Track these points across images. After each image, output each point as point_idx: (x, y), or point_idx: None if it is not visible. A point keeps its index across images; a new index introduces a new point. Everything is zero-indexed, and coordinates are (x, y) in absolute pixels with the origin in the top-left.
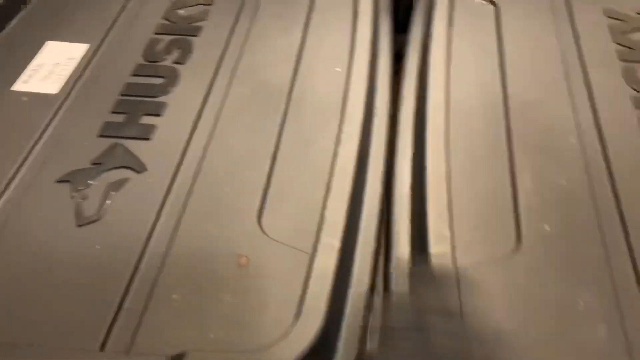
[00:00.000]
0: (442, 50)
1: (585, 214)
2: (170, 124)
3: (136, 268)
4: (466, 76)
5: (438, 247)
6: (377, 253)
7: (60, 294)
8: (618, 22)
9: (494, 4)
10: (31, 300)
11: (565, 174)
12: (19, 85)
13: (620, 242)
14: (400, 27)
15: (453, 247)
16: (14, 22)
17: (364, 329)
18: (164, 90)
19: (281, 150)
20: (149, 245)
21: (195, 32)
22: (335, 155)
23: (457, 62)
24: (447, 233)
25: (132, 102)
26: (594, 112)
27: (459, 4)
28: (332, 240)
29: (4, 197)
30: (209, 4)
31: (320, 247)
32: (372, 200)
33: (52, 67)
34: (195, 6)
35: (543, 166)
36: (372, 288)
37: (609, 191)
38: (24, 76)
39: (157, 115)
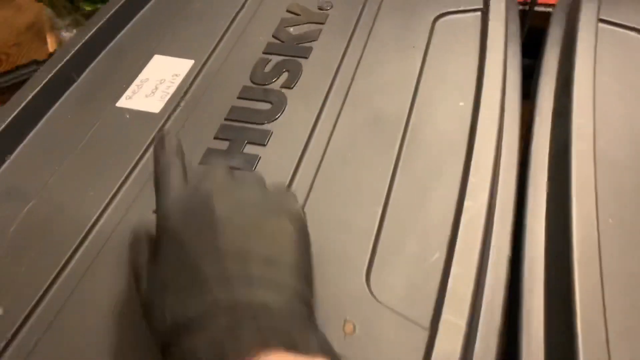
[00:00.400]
0: (588, 89)
1: None
2: (274, 155)
3: None
4: (612, 120)
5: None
6: (503, 328)
7: None
8: None
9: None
10: None
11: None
12: (123, 102)
13: None
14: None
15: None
16: (126, 28)
17: None
18: (269, 116)
19: (395, 194)
20: None
21: (305, 53)
22: (460, 208)
23: (602, 102)
24: (603, 347)
25: (236, 129)
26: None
27: (603, 32)
28: (457, 319)
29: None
30: (321, 22)
31: (442, 325)
32: (499, 265)
33: (156, 83)
34: (307, 24)
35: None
36: None
37: None
38: (129, 91)
39: (262, 144)
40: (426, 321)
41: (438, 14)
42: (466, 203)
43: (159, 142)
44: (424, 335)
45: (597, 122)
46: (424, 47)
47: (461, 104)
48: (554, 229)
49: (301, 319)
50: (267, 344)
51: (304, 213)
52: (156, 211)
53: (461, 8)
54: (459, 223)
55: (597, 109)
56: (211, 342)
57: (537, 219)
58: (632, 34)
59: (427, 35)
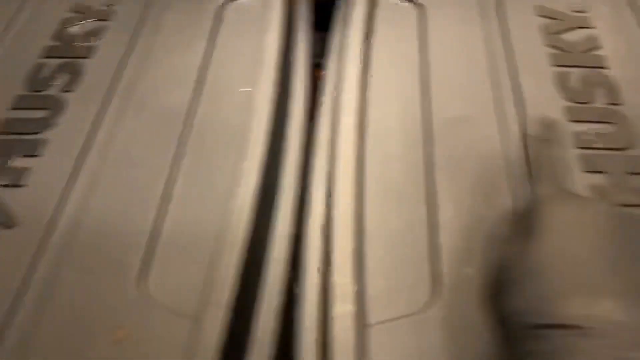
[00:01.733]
0: (357, 64)
1: None
2: (49, 165)
3: None
4: (385, 93)
5: (341, 305)
6: (285, 305)
7: None
8: (551, 21)
9: (418, 5)
10: None
11: (491, 203)
12: None
13: None
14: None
15: (361, 303)
16: None
17: None
18: (46, 124)
19: (175, 192)
20: (16, 316)
21: (87, 53)
22: (232, 195)
23: (376, 76)
24: (353, 287)
25: (6, 142)
26: (522, 126)
27: (381, 7)
28: (218, 301)
29: None
30: (105, 19)
31: (205, 311)
32: (280, 244)
33: None
34: (91, 22)
35: (466, 196)
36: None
37: None
38: None
39: (35, 155)
40: (194, 311)
41: (223, 0)
42: (236, 189)
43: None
44: (190, 324)
45: (371, 94)
46: (209, 36)
47: (242, 89)
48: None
49: None
50: None
51: None
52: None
53: None
54: (230, 212)
55: (369, 82)
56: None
57: (319, 194)
58: (405, 4)
59: (214, 22)
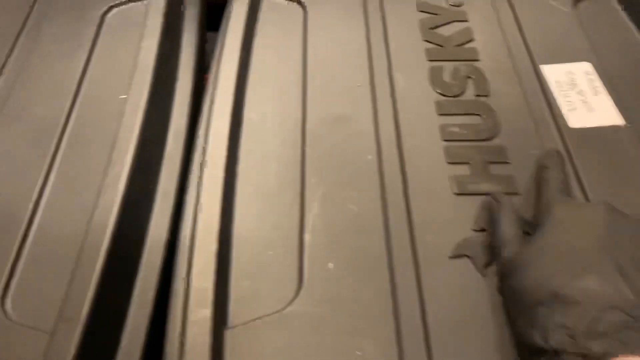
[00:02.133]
0: (233, 66)
1: (375, 243)
2: None
3: None
4: (264, 94)
5: (197, 311)
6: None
7: None
8: (430, 16)
9: (301, 5)
10: None
11: (358, 198)
12: None
13: (409, 272)
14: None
15: (218, 307)
16: None
17: None
18: None
19: (43, 207)
20: None
21: None
22: (95, 206)
23: (255, 77)
24: (210, 292)
25: None
26: (396, 122)
27: (265, 6)
28: (72, 314)
29: None
30: None
31: (59, 324)
32: (155, 251)
33: None
34: None
35: (335, 192)
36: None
37: (403, 213)
38: None
39: None
40: (49, 328)
41: (107, 7)
42: (99, 200)
43: (557, 155)
44: (45, 339)
45: (249, 95)
46: (90, 44)
47: (122, 96)
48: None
49: None
50: None
51: None
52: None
53: None
54: (91, 225)
55: (249, 83)
56: (589, 319)
57: (192, 199)
58: (289, 3)
59: (95, 30)
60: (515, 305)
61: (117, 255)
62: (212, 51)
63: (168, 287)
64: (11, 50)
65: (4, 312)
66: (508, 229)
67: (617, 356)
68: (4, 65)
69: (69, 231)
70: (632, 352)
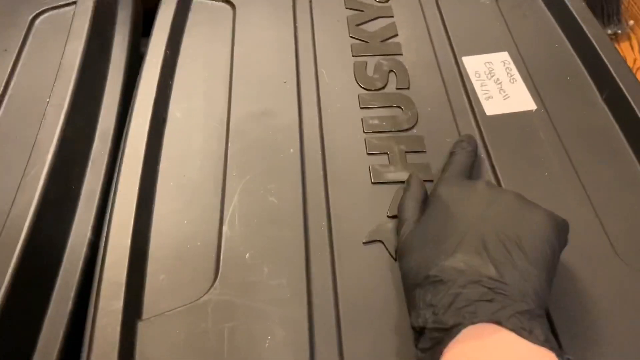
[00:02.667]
0: (156, 65)
1: (293, 232)
2: None
3: None
4: (190, 91)
5: (108, 303)
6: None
7: None
8: (357, 12)
9: (231, 4)
10: None
11: (279, 189)
12: None
13: (325, 259)
14: None
15: (130, 299)
16: None
17: None
18: None
19: None
20: None
21: None
22: (12, 205)
23: (183, 75)
24: (122, 285)
25: None
26: (320, 116)
27: (194, 7)
28: None
29: None
30: None
31: None
32: (77, 251)
33: None
34: None
35: (255, 185)
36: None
37: (322, 203)
38: None
39: None
40: None
41: (36, 12)
42: (16, 199)
43: (467, 140)
44: None
45: (174, 93)
46: (17, 48)
47: (47, 100)
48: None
49: (538, 307)
50: (500, 323)
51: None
52: (436, 187)
53: (59, 3)
54: (7, 223)
55: (175, 81)
56: (451, 295)
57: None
58: (218, 3)
59: (23, 34)
60: (404, 287)
61: (33, 253)
62: None
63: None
64: None
65: None
66: (407, 212)
67: (466, 326)
68: None
69: None
70: (481, 320)
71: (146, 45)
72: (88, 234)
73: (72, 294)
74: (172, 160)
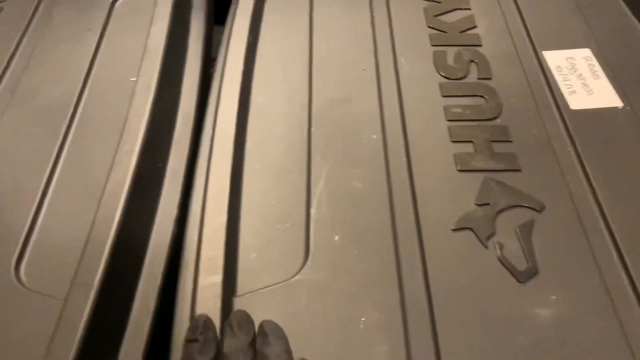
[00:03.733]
0: (241, 50)
1: (380, 216)
2: None
3: None
4: (272, 76)
5: (207, 277)
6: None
7: None
8: (433, 4)
9: None
10: None
11: (363, 174)
12: None
13: (413, 244)
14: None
15: (228, 274)
16: None
17: None
18: None
19: (55, 181)
20: None
21: None
22: (107, 181)
23: (264, 61)
24: (220, 260)
25: None
26: (400, 103)
27: None
28: (86, 282)
29: None
30: None
31: (73, 292)
32: (164, 227)
33: None
34: None
35: (340, 169)
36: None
37: (407, 188)
38: None
39: None
40: (63, 293)
41: None
42: (111, 175)
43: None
44: (58, 305)
45: (256, 79)
46: (100, 29)
47: (132, 79)
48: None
49: None
50: None
51: None
52: None
53: None
54: (104, 195)
55: (256, 67)
56: None
57: (202, 176)
58: None
59: (105, 16)
60: None
61: (128, 226)
62: (218, 43)
63: (178, 260)
64: (23, 34)
65: (19, 279)
66: None
67: None
68: (16, 48)
69: (82, 203)
70: None
71: (218, 34)
72: (175, 210)
73: (162, 268)
74: (257, 143)
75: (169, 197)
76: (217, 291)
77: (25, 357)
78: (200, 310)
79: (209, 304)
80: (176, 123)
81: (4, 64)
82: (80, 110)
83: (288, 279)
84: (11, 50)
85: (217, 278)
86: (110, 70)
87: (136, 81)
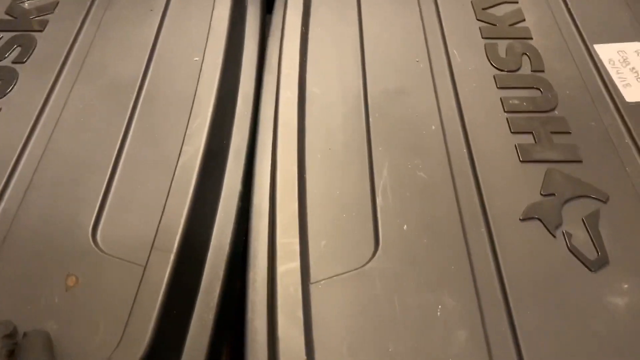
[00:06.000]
0: (295, 40)
1: (446, 206)
2: (2, 132)
3: None
4: (325, 67)
5: (285, 263)
6: (235, 256)
7: None
8: None
9: None
10: None
11: (425, 165)
12: None
13: (481, 233)
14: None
15: (304, 261)
16: None
17: (214, 344)
18: None
19: (126, 153)
20: None
21: (39, 26)
22: (180, 154)
23: (316, 52)
24: (296, 247)
25: None
26: (456, 94)
27: None
28: (165, 251)
29: None
30: None
31: (152, 258)
32: (230, 201)
33: None
34: None
35: (402, 160)
36: (230, 295)
37: (470, 179)
38: None
39: None
40: (143, 259)
41: None
42: (184, 148)
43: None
44: (139, 271)
45: (310, 70)
46: (162, 10)
47: (196, 59)
48: (271, 165)
49: None
50: None
51: None
52: None
53: None
54: (177, 168)
55: (309, 58)
56: None
57: (265, 158)
58: None
59: None
60: None
61: (200, 197)
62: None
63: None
64: (85, 15)
65: (96, 245)
66: None
67: None
68: (79, 30)
69: (154, 174)
70: None
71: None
72: (239, 186)
73: (228, 240)
74: (316, 133)
75: (233, 173)
76: (297, 277)
77: (111, 319)
78: (282, 295)
79: (290, 290)
80: (237, 103)
81: (69, 43)
82: (145, 86)
83: (361, 267)
84: (75, 30)
85: (295, 264)
86: (174, 49)
87: (202, 61)
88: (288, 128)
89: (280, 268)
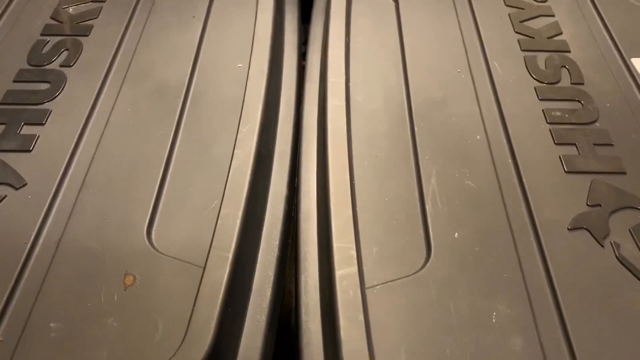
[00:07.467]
0: (341, 50)
1: (494, 215)
2: (54, 133)
3: (10, 297)
4: (367, 76)
5: (343, 267)
6: (283, 258)
7: None
8: (518, 10)
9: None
10: None
11: (472, 174)
12: None
13: (531, 242)
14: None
15: (360, 266)
16: None
17: (266, 345)
18: (48, 96)
19: (176, 156)
20: (26, 269)
21: (85, 31)
22: (232, 157)
23: (357, 61)
24: (353, 252)
25: (12, 112)
26: (499, 105)
27: None
28: (224, 252)
29: None
30: (102, 1)
31: (211, 259)
32: (277, 204)
33: None
34: (87, 3)
35: (450, 168)
36: (279, 296)
37: (517, 188)
38: None
39: (40, 124)
40: (201, 260)
41: None
42: (235, 151)
43: None
44: (198, 272)
45: (353, 79)
46: (204, 17)
47: (239, 65)
48: (320, 174)
49: None
50: None
51: None
52: None
53: None
54: (231, 171)
55: (351, 67)
56: None
57: (310, 163)
58: None
59: (206, 6)
60: None
61: (253, 200)
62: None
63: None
64: (129, 21)
65: (151, 244)
66: None
67: None
68: (123, 34)
69: (207, 176)
70: None
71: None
72: (285, 190)
73: (277, 242)
74: (362, 140)
75: (278, 177)
76: (355, 281)
77: (171, 317)
78: (342, 299)
79: (350, 294)
80: (279, 108)
81: (114, 47)
82: (192, 90)
83: (415, 273)
84: (119, 35)
85: (353, 269)
86: (218, 55)
87: (248, 67)
88: (338, 135)
89: (339, 272)
